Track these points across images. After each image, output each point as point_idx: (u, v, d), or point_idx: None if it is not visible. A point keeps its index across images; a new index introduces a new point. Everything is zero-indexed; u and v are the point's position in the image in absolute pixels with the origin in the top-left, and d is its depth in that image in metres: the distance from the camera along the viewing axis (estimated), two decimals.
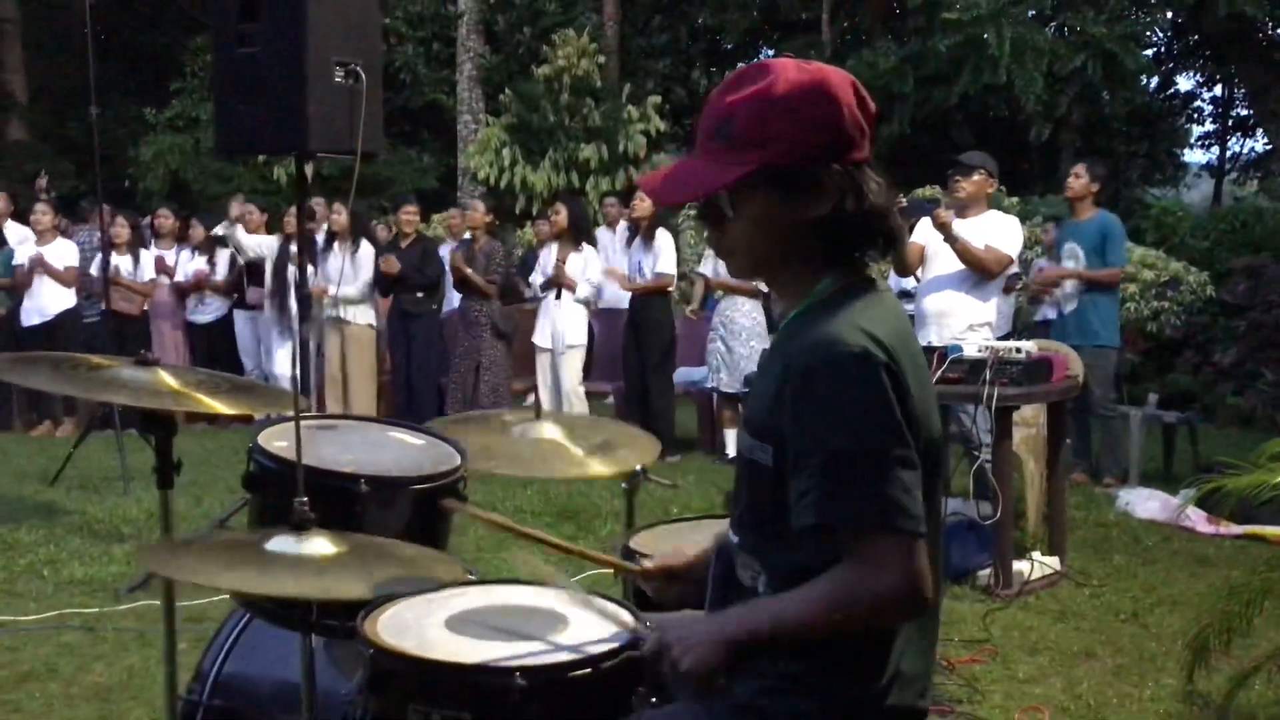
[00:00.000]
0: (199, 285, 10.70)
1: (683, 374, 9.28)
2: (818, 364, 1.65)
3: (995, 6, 15.32)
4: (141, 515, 6.81)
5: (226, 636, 2.74)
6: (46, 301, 10.21)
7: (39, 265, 10.15)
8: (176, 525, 6.61)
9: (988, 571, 5.48)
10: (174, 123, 19.51)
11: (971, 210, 6.30)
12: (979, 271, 6.15)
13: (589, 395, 9.26)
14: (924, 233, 6.32)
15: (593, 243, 9.22)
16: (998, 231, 6.23)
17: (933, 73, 16.16)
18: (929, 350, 5.47)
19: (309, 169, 2.73)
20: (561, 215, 9.19)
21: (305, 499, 1.99)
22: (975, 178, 6.30)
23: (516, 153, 17.01)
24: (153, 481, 2.58)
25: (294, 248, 9.90)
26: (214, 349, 10.53)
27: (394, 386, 9.67)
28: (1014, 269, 6.60)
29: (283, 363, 9.88)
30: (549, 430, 2.76)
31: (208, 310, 10.79)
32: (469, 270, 9.10)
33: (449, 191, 18.09)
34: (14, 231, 10.89)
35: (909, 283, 9.85)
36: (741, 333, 8.41)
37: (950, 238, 6.11)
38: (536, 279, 9.34)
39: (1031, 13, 15.98)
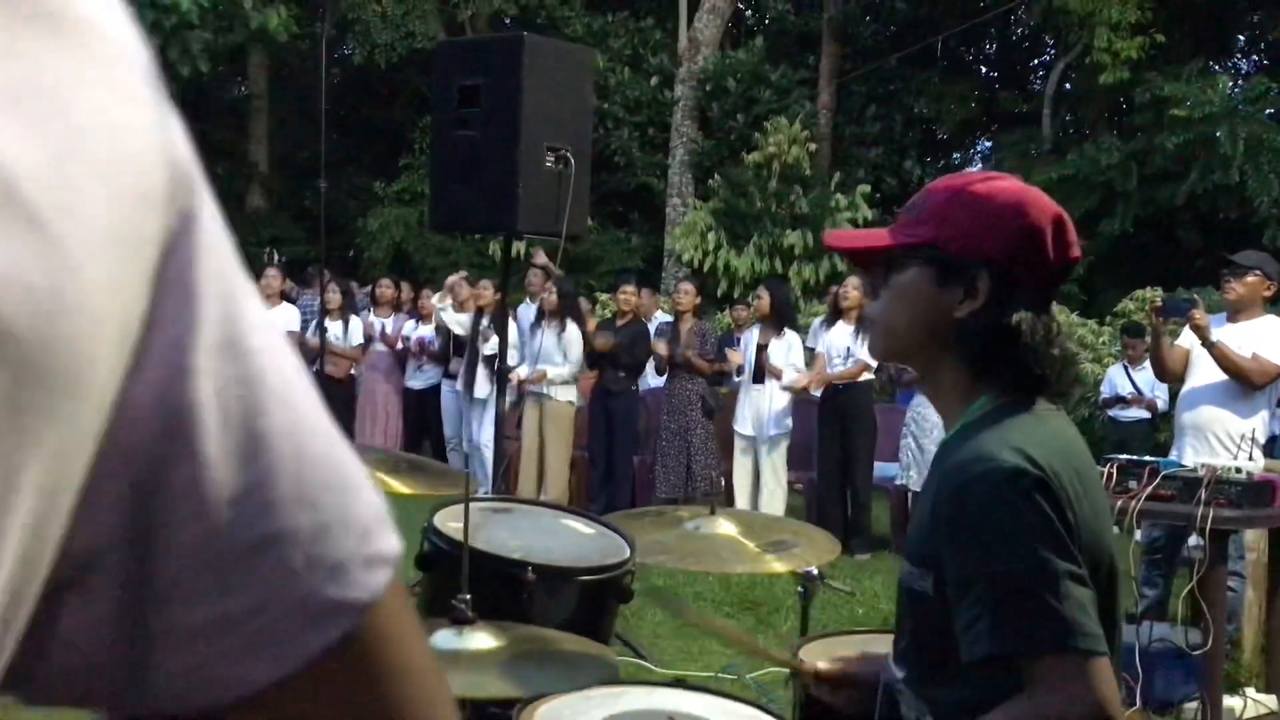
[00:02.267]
0: (416, 350, 11.01)
1: (877, 469, 9.04)
2: (968, 484, 1.60)
3: (1228, 104, 14.68)
4: None
5: None
6: None
7: None
8: None
9: (1195, 705, 5.09)
10: (401, 196, 20.49)
11: (1243, 315, 5.77)
12: (1241, 381, 5.64)
13: None
14: (1189, 337, 5.87)
15: (796, 328, 9.14)
16: (1268, 338, 5.68)
17: (1158, 170, 15.55)
18: (1137, 464, 5.16)
19: (519, 247, 2.80)
20: (765, 299, 9.14)
21: (468, 596, 2.00)
22: (1249, 279, 5.73)
23: (721, 236, 17.15)
24: None
25: (485, 321, 10.07)
26: (425, 414, 10.85)
27: (591, 463, 9.74)
28: None
29: (483, 433, 10.04)
30: (723, 525, 2.71)
31: (423, 377, 11.09)
32: (688, 351, 9.13)
33: (654, 272, 18.37)
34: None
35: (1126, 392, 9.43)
36: (934, 430, 8.11)
37: (1207, 342, 5.61)
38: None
39: (1270, 111, 15.25)
